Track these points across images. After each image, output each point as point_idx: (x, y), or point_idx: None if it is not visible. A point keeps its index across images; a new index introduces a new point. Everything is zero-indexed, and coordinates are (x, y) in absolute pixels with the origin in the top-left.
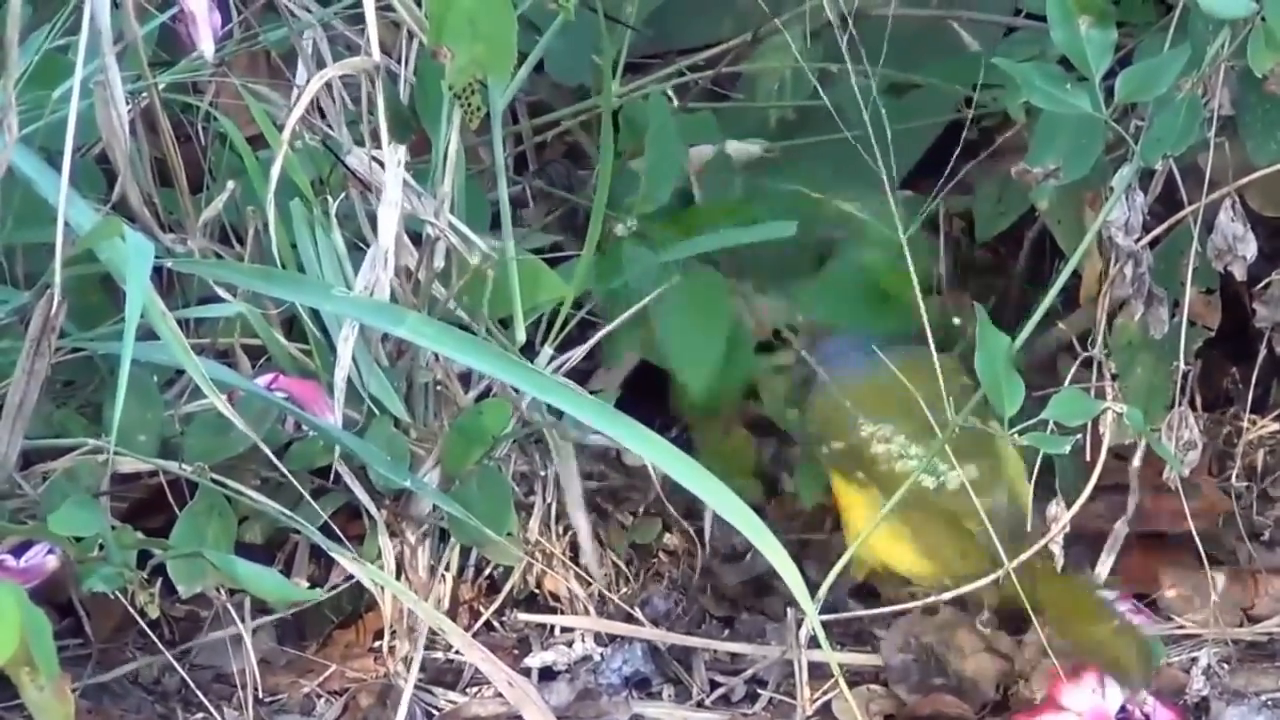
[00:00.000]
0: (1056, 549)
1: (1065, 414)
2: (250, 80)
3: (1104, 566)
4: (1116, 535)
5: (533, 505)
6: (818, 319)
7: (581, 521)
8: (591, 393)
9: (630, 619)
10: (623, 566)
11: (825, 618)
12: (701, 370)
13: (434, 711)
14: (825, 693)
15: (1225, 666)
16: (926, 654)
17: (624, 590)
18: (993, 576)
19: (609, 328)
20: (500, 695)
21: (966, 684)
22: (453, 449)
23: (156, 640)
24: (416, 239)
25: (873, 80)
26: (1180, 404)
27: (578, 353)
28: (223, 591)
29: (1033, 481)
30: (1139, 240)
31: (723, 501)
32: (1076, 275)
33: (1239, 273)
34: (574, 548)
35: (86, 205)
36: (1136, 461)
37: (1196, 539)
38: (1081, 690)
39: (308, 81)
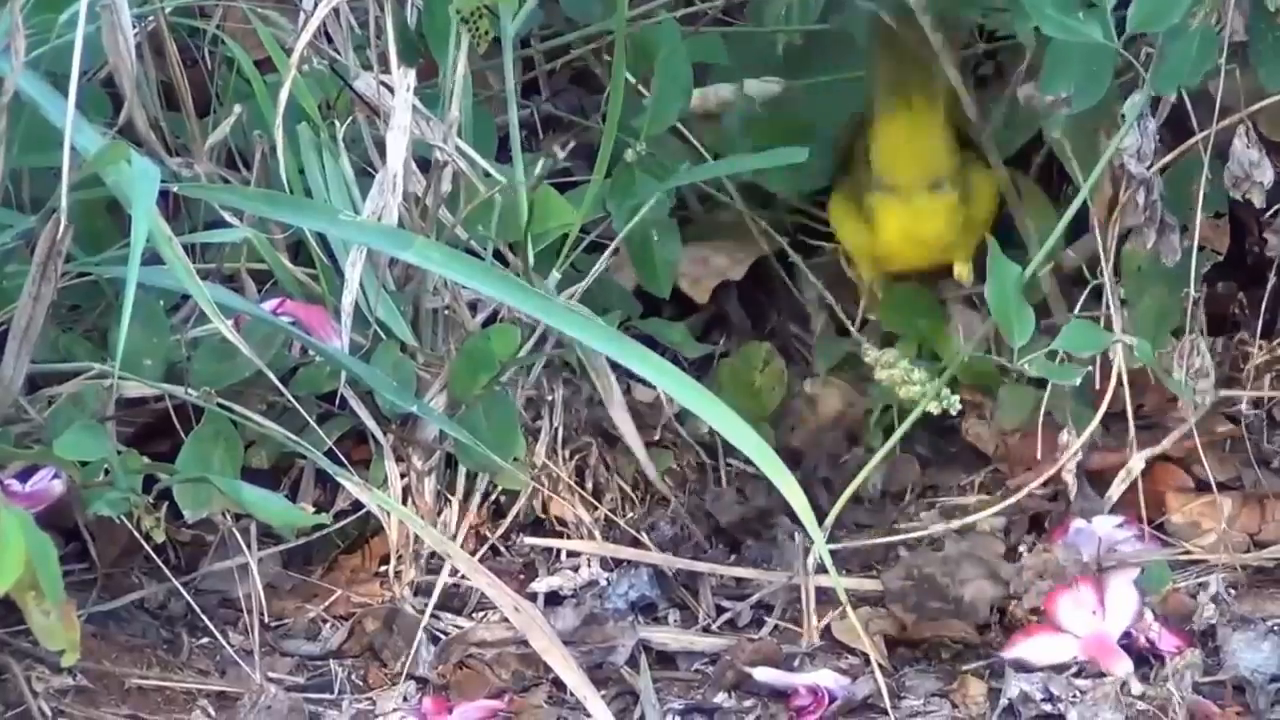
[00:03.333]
0: (1069, 477)
1: (1075, 344)
2: (257, 4)
3: (1115, 491)
4: (1130, 470)
5: (539, 430)
6: None
7: (626, 422)
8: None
9: (636, 544)
10: (628, 491)
11: (832, 547)
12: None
13: (440, 636)
14: (826, 615)
15: (1232, 592)
16: (926, 580)
17: (630, 515)
18: None
19: (612, 246)
20: (506, 620)
21: (965, 607)
22: (460, 374)
23: (162, 565)
24: (424, 165)
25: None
26: (1191, 331)
27: (588, 278)
28: (228, 516)
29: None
30: (1150, 167)
31: (732, 428)
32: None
33: (1257, 199)
34: (580, 472)
35: (93, 130)
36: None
37: (1204, 464)
38: (1079, 610)
39: (315, 5)
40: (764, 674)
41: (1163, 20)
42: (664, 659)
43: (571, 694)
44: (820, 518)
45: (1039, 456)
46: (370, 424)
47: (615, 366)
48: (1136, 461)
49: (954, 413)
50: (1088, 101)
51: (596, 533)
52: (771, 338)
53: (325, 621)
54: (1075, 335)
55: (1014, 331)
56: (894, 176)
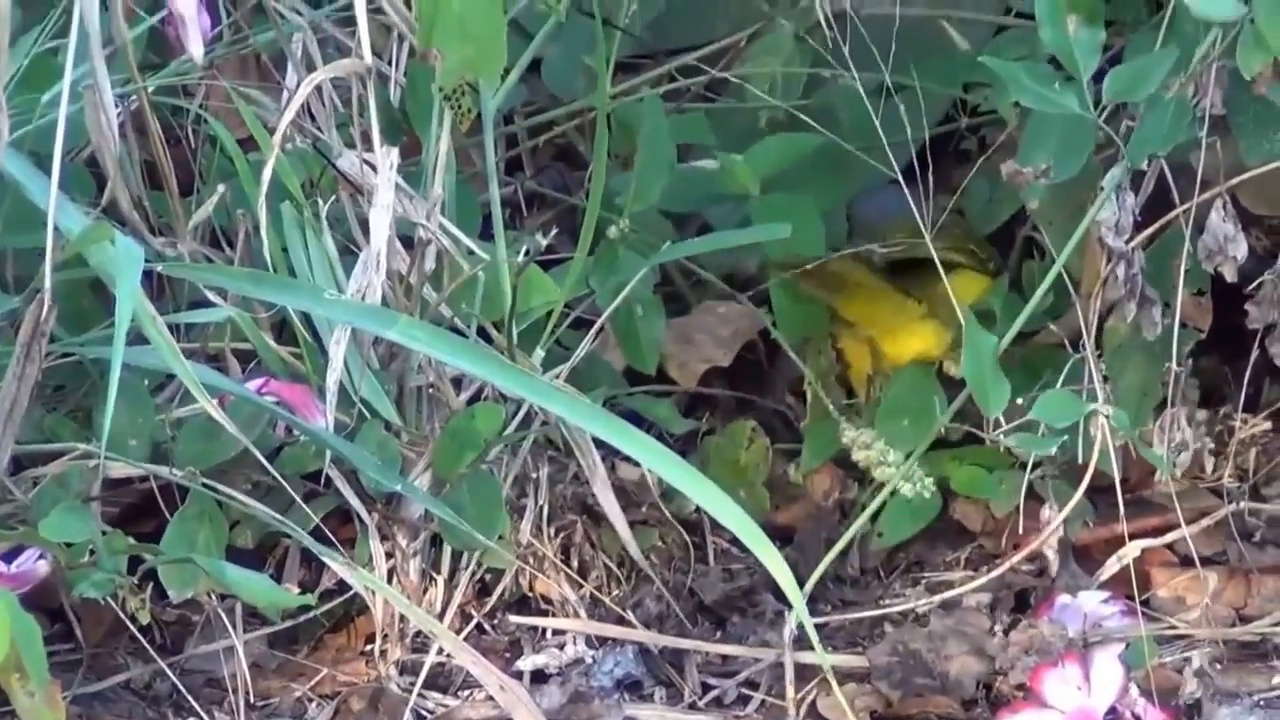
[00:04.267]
0: (1051, 553)
1: (1052, 415)
2: (240, 83)
3: (1106, 571)
4: (1122, 556)
5: (525, 508)
6: None
7: (610, 500)
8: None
9: (622, 621)
10: (614, 569)
11: (817, 621)
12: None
13: (426, 715)
14: (811, 692)
15: (1218, 667)
16: (912, 656)
17: (615, 593)
18: None
19: (598, 324)
20: (492, 699)
21: (950, 684)
22: (444, 453)
23: (147, 646)
24: (408, 242)
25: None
26: (1173, 405)
27: (574, 357)
28: (214, 596)
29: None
30: (1129, 241)
31: (717, 504)
32: (1066, 275)
33: (1229, 274)
34: (565, 550)
35: (76, 209)
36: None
37: (1188, 539)
38: (1065, 685)
39: (298, 84)
40: None
41: (1138, 90)
42: None
43: None
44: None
45: (1022, 532)
46: (355, 503)
47: (601, 444)
48: (1131, 549)
49: (927, 495)
50: (1067, 173)
51: (582, 610)
52: (756, 413)
53: (311, 701)
54: (1051, 405)
55: (989, 402)
56: (872, 330)
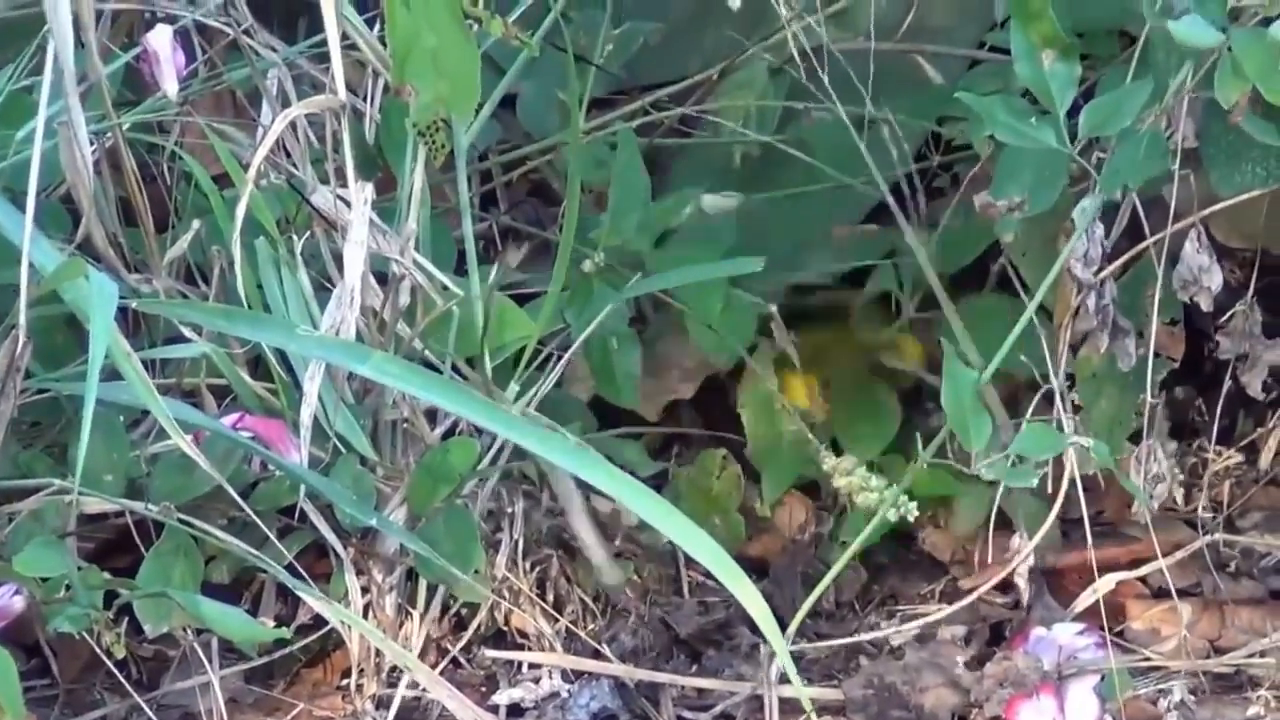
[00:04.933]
0: (1022, 581)
1: (1031, 448)
2: (215, 119)
3: (1080, 603)
4: (1096, 589)
5: (500, 542)
6: None
7: (584, 527)
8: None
9: (597, 655)
10: (589, 602)
11: (793, 650)
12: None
13: None
14: None
15: (1193, 698)
16: (888, 689)
17: (591, 627)
18: None
19: (566, 356)
20: None
21: (926, 716)
22: (419, 487)
23: (124, 681)
24: (382, 278)
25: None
26: (1149, 437)
27: (538, 386)
28: (190, 632)
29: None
30: (1099, 272)
31: (690, 538)
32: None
33: (1205, 303)
34: (540, 584)
35: (51, 245)
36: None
37: (1165, 571)
38: (1040, 718)
39: (272, 120)
40: None
41: (1113, 124)
42: None
43: None
44: (782, 627)
45: (991, 560)
46: (330, 538)
47: (575, 477)
48: (1105, 581)
49: (911, 520)
50: (1041, 206)
51: (558, 644)
52: (727, 443)
53: None
54: (1031, 439)
55: (971, 436)
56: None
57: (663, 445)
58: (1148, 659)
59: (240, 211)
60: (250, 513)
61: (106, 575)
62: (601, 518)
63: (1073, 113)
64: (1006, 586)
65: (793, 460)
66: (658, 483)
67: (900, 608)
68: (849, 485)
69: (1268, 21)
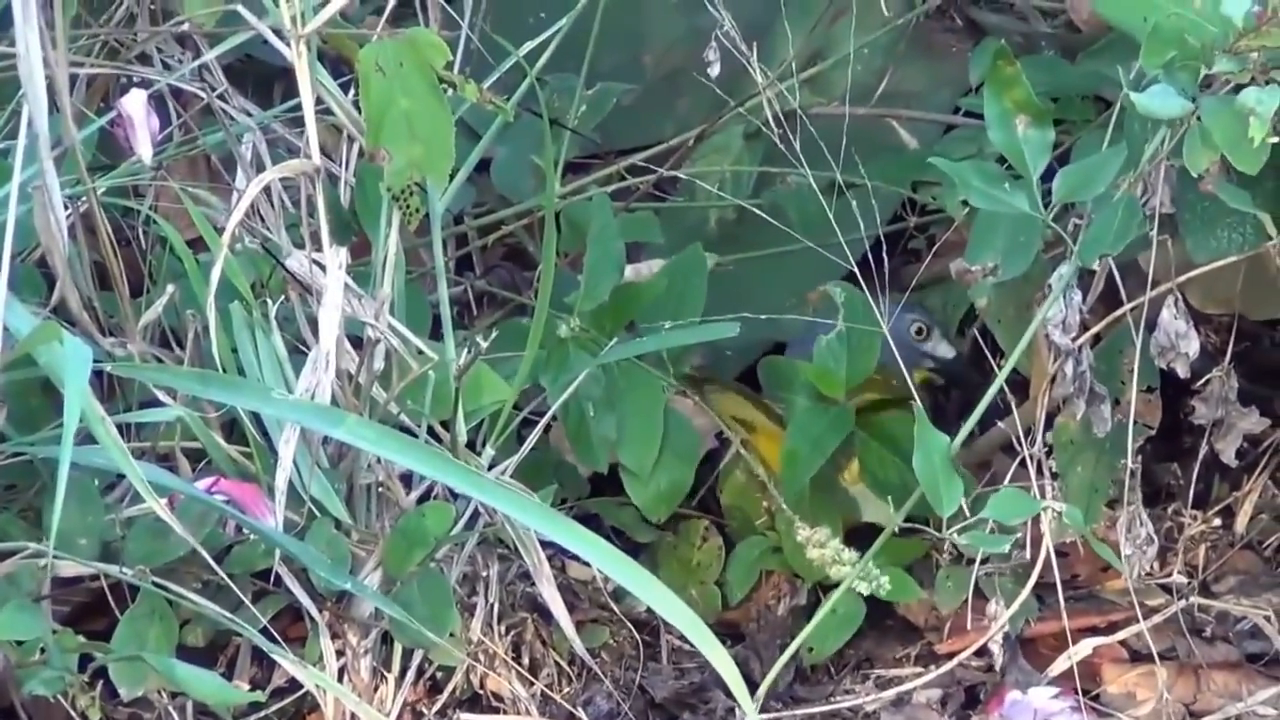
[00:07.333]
0: (996, 648)
1: (1005, 513)
2: (189, 184)
3: (1055, 667)
4: (1071, 655)
5: (475, 606)
6: None
7: (552, 595)
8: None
9: (573, 719)
10: (565, 666)
11: (770, 716)
12: (643, 480)
13: None
14: None
15: None
16: None
17: (566, 690)
18: None
19: (541, 424)
20: None
21: None
22: (394, 551)
23: None
24: (357, 342)
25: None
26: (1131, 503)
27: (519, 454)
28: (165, 694)
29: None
30: (1076, 339)
31: (666, 605)
32: (1017, 373)
33: (1182, 370)
34: (516, 647)
35: (26, 309)
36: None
37: (1146, 634)
38: None
39: (247, 185)
40: None
41: (1088, 190)
42: None
43: None
44: (754, 692)
45: (968, 627)
46: (305, 601)
47: (551, 543)
48: (1083, 646)
49: (883, 593)
50: (1015, 270)
51: (533, 708)
52: (709, 511)
53: None
54: (1005, 504)
55: (942, 501)
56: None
57: None
58: None
59: (215, 276)
60: (225, 577)
61: (81, 638)
62: (578, 582)
63: (1047, 177)
64: (981, 650)
65: (762, 555)
66: (635, 548)
67: (876, 671)
68: (821, 558)
69: (1240, 88)
